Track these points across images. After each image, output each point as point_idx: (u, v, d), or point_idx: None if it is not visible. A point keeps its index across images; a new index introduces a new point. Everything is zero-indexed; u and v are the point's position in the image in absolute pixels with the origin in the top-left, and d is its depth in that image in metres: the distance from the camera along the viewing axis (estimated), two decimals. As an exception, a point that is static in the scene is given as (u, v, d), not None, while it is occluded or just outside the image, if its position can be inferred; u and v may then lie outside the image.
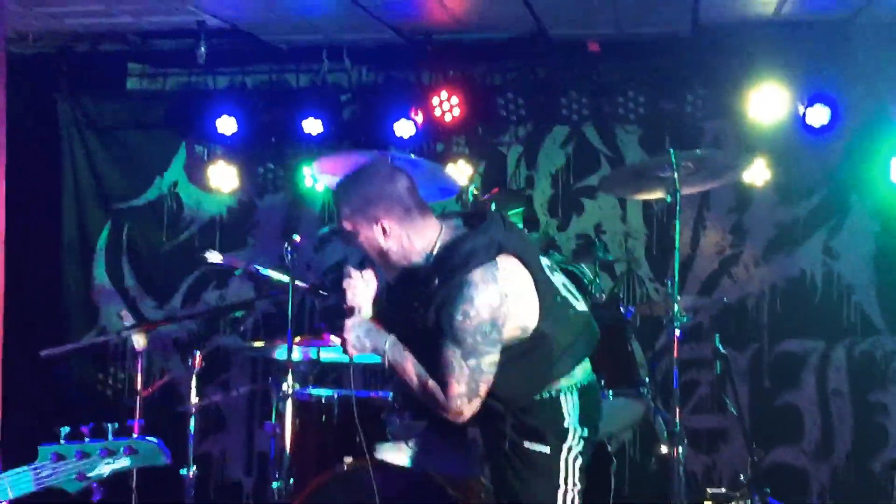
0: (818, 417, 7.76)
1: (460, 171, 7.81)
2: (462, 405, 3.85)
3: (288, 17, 7.43)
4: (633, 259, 7.87)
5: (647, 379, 5.63)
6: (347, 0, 6.94)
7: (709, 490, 6.55)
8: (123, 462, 3.34)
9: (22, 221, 6.29)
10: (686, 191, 5.74)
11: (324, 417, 5.71)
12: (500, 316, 3.82)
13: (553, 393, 3.98)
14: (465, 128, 7.93)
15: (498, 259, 3.81)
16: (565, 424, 3.98)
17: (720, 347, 5.83)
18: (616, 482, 6.02)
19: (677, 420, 5.45)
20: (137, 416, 5.87)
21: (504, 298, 3.81)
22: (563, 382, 3.99)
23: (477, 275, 3.77)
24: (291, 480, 5.55)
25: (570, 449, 3.98)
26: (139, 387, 5.99)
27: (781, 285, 7.85)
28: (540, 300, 3.90)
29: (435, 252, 3.92)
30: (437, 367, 3.87)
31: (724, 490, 6.42)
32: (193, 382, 5.94)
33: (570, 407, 3.99)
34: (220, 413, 8.16)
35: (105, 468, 3.32)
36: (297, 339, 5.74)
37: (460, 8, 7.27)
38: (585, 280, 5.86)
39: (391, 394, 5.45)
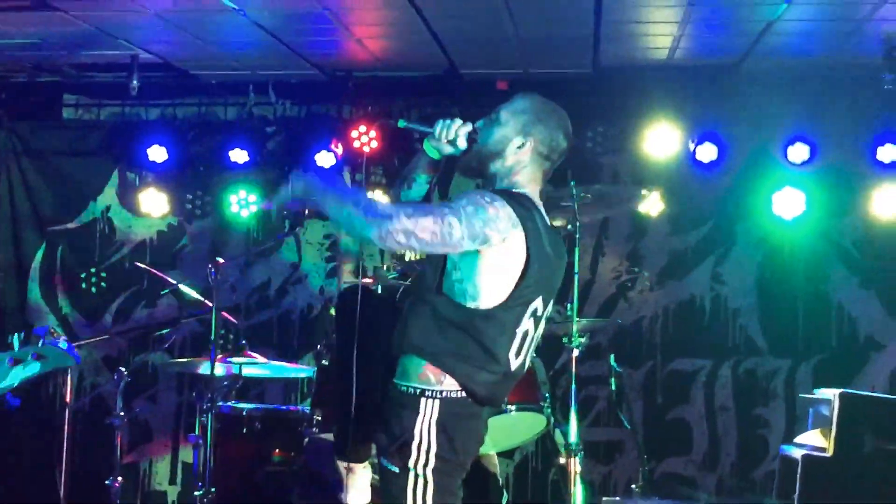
0: (706, 430, 7.81)
1: (378, 199, 7.79)
2: (392, 221, 3.33)
3: (217, 54, 7.38)
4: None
5: (547, 395, 5.63)
6: (273, 39, 6.92)
7: (604, 498, 6.59)
8: (33, 368, 3.15)
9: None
10: (585, 220, 5.78)
11: (244, 429, 5.65)
12: (492, 227, 3.39)
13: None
14: (383, 159, 7.91)
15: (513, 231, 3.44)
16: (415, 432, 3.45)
17: (615, 366, 5.89)
18: (520, 491, 6.03)
19: (575, 433, 5.48)
20: (66, 430, 5.80)
21: (506, 230, 3.41)
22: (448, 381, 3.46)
23: (508, 203, 3.44)
24: (213, 490, 5.48)
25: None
26: (69, 400, 5.89)
27: (673, 308, 7.91)
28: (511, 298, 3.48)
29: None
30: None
31: (618, 498, 6.46)
32: (119, 397, 5.83)
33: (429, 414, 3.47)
34: (147, 425, 8.03)
35: (15, 377, 3.13)
36: (220, 355, 5.68)
37: (379, 48, 7.28)
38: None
39: (310, 408, 5.42)
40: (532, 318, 3.54)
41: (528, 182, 3.63)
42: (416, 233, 3.33)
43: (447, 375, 3.43)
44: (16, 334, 3.15)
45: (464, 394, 3.44)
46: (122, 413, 5.95)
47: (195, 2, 6.20)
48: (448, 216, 3.34)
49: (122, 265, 8.29)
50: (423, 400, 3.43)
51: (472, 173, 3.72)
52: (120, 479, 6.04)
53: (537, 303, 3.54)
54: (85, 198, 8.41)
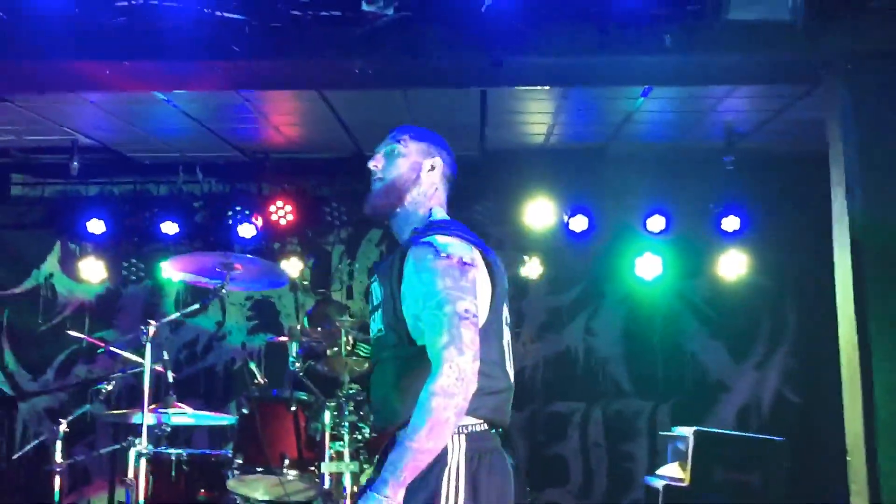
0: (581, 464, 7.85)
1: (293, 266, 7.75)
2: (452, 358, 2.78)
3: (149, 138, 7.31)
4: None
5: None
6: (199, 125, 6.88)
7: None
8: None
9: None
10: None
11: (173, 472, 5.52)
12: (471, 271, 2.97)
13: None
14: (298, 230, 7.88)
15: (475, 252, 3.04)
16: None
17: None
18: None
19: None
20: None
21: (473, 267, 2.98)
22: None
23: (450, 236, 3.03)
24: (145, 528, 5.33)
25: None
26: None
27: (551, 358, 7.97)
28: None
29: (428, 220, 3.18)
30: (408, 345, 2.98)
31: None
32: (59, 445, 5.65)
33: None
34: (86, 469, 7.80)
35: None
36: (152, 406, 5.55)
37: (293, 133, 7.27)
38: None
39: (231, 451, 5.31)
40: (506, 326, 3.11)
41: (442, 204, 3.25)
42: (469, 348, 2.82)
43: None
44: None
45: (485, 426, 2.96)
46: (61, 460, 5.77)
47: (129, 94, 6.12)
48: (461, 317, 2.85)
49: (63, 326, 8.09)
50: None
51: (385, 209, 3.20)
52: (60, 520, 5.85)
53: (505, 309, 3.11)
54: (29, 266, 8.22)
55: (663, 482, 5.98)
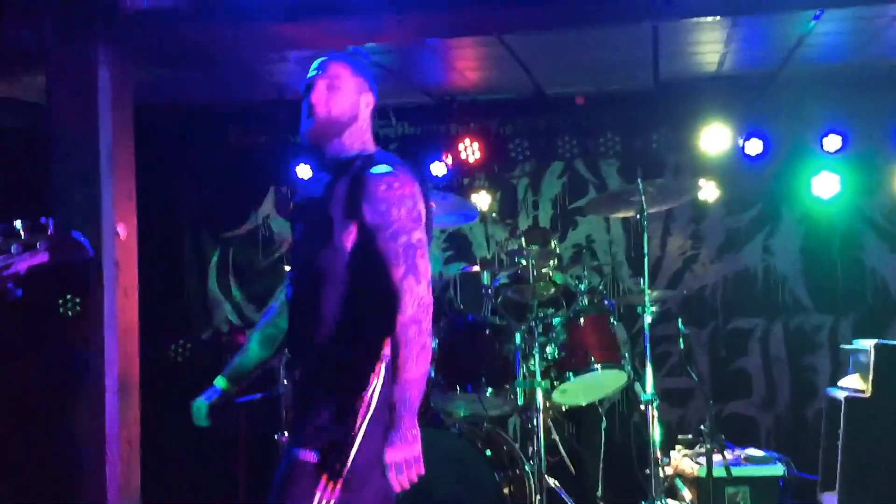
0: (763, 378, 7.71)
1: (482, 200, 7.85)
2: (412, 287, 2.85)
3: (346, 88, 7.48)
4: (617, 263, 7.88)
5: (627, 354, 5.64)
6: (390, 74, 7.01)
7: (679, 436, 6.57)
8: (42, 257, 2.41)
9: (153, 246, 6.34)
10: (652, 210, 5.76)
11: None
12: (419, 201, 2.99)
13: None
14: (485, 167, 7.92)
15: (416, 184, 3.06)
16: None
17: (682, 328, 5.85)
18: (608, 433, 6.05)
19: (651, 385, 5.49)
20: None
21: (420, 197, 3.00)
22: None
23: (396, 168, 3.02)
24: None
25: None
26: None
27: (731, 277, 7.80)
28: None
29: (366, 153, 3.15)
30: (364, 270, 2.94)
31: (690, 436, 6.43)
32: (282, 368, 5.94)
33: None
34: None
35: (22, 265, 2.40)
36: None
37: (476, 76, 7.32)
38: (573, 287, 5.81)
39: (433, 372, 5.48)
40: None
41: (370, 136, 3.20)
42: (423, 280, 2.89)
43: None
44: (19, 220, 2.41)
45: None
46: (285, 382, 6.06)
47: (325, 50, 6.29)
48: (416, 247, 2.89)
49: (280, 261, 8.47)
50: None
51: (323, 142, 3.12)
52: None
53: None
54: (248, 209, 8.60)
55: (845, 393, 5.83)
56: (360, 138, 3.15)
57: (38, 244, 2.38)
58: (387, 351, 2.92)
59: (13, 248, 2.37)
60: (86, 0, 5.22)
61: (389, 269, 2.88)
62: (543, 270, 5.63)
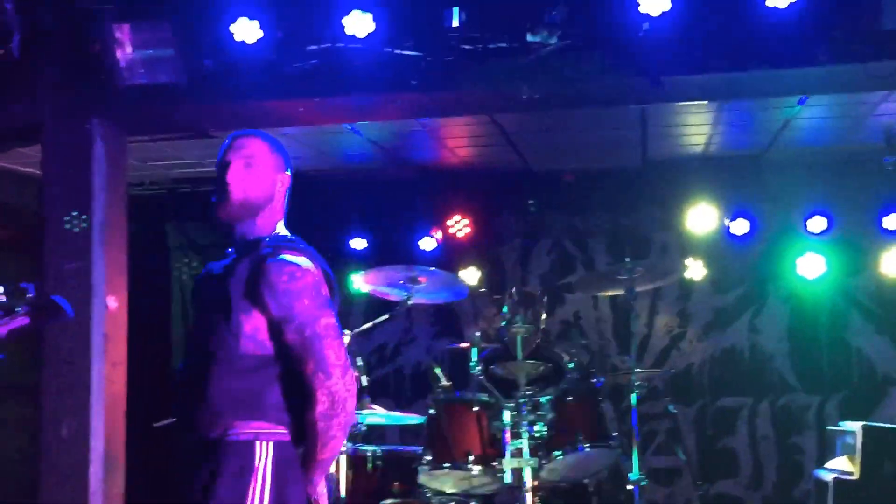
0: (750, 457, 7.70)
1: (471, 275, 7.89)
2: (322, 384, 2.83)
3: (338, 163, 7.54)
4: (605, 341, 7.89)
5: (614, 433, 5.62)
6: (382, 150, 7.08)
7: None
8: (22, 321, 2.51)
9: (140, 318, 6.31)
10: (640, 289, 5.80)
11: (369, 467, 5.71)
12: (322, 285, 2.96)
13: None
14: (474, 242, 7.98)
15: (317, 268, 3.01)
16: None
17: (670, 408, 5.86)
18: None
19: (636, 464, 5.47)
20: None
21: (322, 281, 2.97)
22: None
23: (300, 254, 2.98)
24: (345, 518, 5.53)
25: None
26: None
27: (717, 355, 7.83)
28: None
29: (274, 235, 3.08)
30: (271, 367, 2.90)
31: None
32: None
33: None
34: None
35: (3, 329, 2.49)
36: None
37: (466, 153, 7.40)
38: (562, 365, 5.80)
39: (421, 449, 5.47)
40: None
41: (282, 217, 3.12)
42: (335, 371, 2.84)
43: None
44: (1, 286, 2.52)
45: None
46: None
47: (320, 126, 6.37)
48: (321, 336, 2.86)
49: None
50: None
51: (236, 221, 3.04)
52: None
53: None
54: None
55: (833, 475, 5.80)
56: (272, 219, 3.08)
57: (18, 308, 2.45)
58: (279, 430, 2.89)
59: None
60: (84, 75, 5.28)
61: (298, 363, 2.87)
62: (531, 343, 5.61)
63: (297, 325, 2.86)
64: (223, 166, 3.05)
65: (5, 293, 2.46)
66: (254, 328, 2.89)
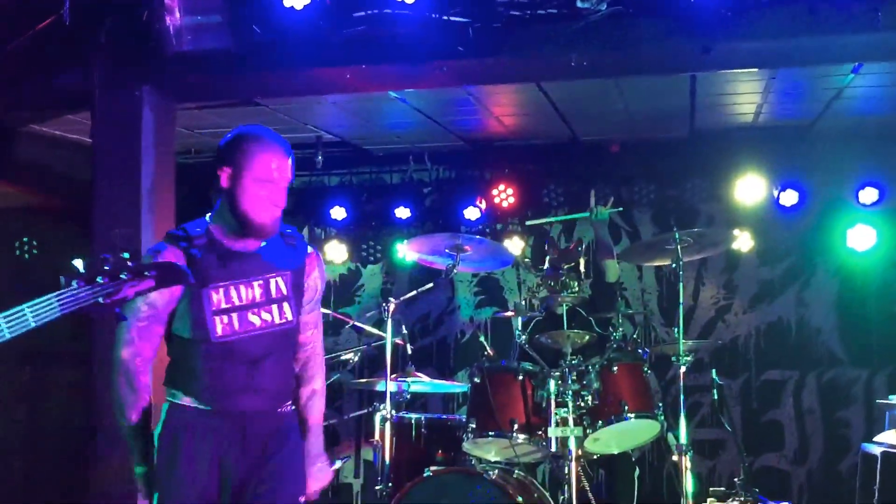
0: (795, 430, 7.65)
1: (515, 245, 7.86)
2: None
3: (383, 132, 7.57)
4: (649, 311, 7.85)
5: (660, 404, 5.59)
6: (428, 119, 7.06)
7: (710, 489, 6.49)
8: (148, 283, 2.63)
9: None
10: (687, 259, 5.74)
11: (413, 434, 5.73)
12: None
13: None
14: (519, 211, 7.96)
15: None
16: None
17: (716, 379, 5.81)
18: (639, 484, 5.98)
19: (684, 434, 5.43)
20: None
21: None
22: None
23: None
24: (390, 483, 5.58)
25: None
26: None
27: (764, 328, 7.77)
28: None
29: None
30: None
31: (723, 489, 6.35)
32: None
33: None
34: (335, 431, 8.19)
35: (130, 290, 2.61)
36: (393, 375, 5.80)
37: (513, 122, 7.37)
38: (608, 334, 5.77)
39: (464, 417, 5.48)
40: None
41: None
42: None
43: None
44: (126, 254, 2.63)
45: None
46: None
47: (367, 94, 6.36)
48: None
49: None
50: None
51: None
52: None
53: None
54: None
55: (881, 448, 5.75)
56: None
57: (147, 272, 2.62)
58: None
59: (124, 275, 2.59)
60: (134, 42, 5.31)
61: (322, 336, 3.58)
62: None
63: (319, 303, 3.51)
64: (286, 180, 3.27)
65: (109, 261, 2.57)
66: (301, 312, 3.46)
